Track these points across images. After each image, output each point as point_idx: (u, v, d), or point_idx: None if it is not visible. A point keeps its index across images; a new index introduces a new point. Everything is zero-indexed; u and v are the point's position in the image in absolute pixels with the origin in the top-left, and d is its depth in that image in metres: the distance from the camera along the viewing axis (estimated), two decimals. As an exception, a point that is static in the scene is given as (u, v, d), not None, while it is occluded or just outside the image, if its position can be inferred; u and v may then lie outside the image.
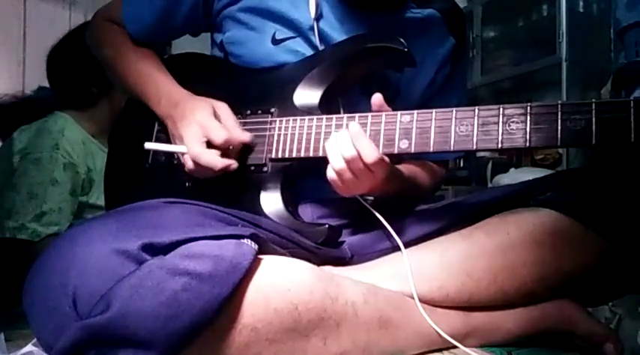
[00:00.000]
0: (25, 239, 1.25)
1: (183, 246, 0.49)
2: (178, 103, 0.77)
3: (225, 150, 0.72)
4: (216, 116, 0.74)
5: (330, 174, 0.66)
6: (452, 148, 0.64)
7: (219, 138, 0.71)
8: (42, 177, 1.29)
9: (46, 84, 1.56)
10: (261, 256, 0.53)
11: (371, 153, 0.63)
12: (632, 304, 1.22)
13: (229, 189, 0.77)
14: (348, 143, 0.64)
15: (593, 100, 0.58)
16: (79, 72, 1.36)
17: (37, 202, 1.28)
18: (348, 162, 0.64)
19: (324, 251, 0.70)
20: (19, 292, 0.51)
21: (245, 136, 0.74)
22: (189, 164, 0.73)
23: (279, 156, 0.74)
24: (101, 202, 1.39)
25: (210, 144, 0.72)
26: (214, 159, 0.71)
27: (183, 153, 0.75)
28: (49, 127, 1.35)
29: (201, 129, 0.72)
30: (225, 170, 0.72)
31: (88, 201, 1.39)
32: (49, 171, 1.30)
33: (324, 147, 0.71)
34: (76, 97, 1.42)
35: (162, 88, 0.82)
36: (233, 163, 0.72)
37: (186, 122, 0.74)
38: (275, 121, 0.76)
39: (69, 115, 1.40)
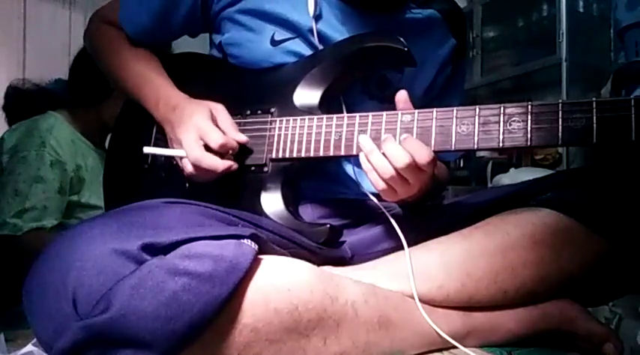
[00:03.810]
0: (7, 234, 1.25)
1: (183, 246, 0.49)
2: (176, 107, 0.77)
3: (223, 153, 0.73)
4: (213, 119, 0.74)
5: (380, 185, 0.64)
6: (453, 147, 0.64)
7: (216, 142, 0.71)
8: (27, 174, 1.30)
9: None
10: (261, 256, 0.53)
11: (426, 154, 0.62)
12: (632, 304, 1.22)
13: (230, 189, 0.76)
14: (400, 151, 0.62)
15: (594, 99, 0.58)
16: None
17: (21, 199, 1.29)
18: (402, 169, 0.62)
19: (325, 251, 0.70)
20: (18, 292, 0.51)
21: (241, 137, 0.74)
22: (188, 168, 0.73)
23: (280, 156, 0.74)
24: (93, 202, 1.40)
25: (209, 148, 0.72)
26: (215, 162, 0.71)
27: (181, 158, 0.74)
28: (38, 126, 1.36)
29: (198, 134, 0.72)
30: (226, 171, 0.72)
31: (80, 200, 1.39)
32: (34, 169, 1.30)
33: (325, 147, 0.71)
34: (89, 96, 1.42)
35: (159, 91, 0.81)
36: (233, 164, 0.72)
37: (185, 127, 0.74)
38: (275, 121, 0.76)
39: (60, 114, 1.40)
